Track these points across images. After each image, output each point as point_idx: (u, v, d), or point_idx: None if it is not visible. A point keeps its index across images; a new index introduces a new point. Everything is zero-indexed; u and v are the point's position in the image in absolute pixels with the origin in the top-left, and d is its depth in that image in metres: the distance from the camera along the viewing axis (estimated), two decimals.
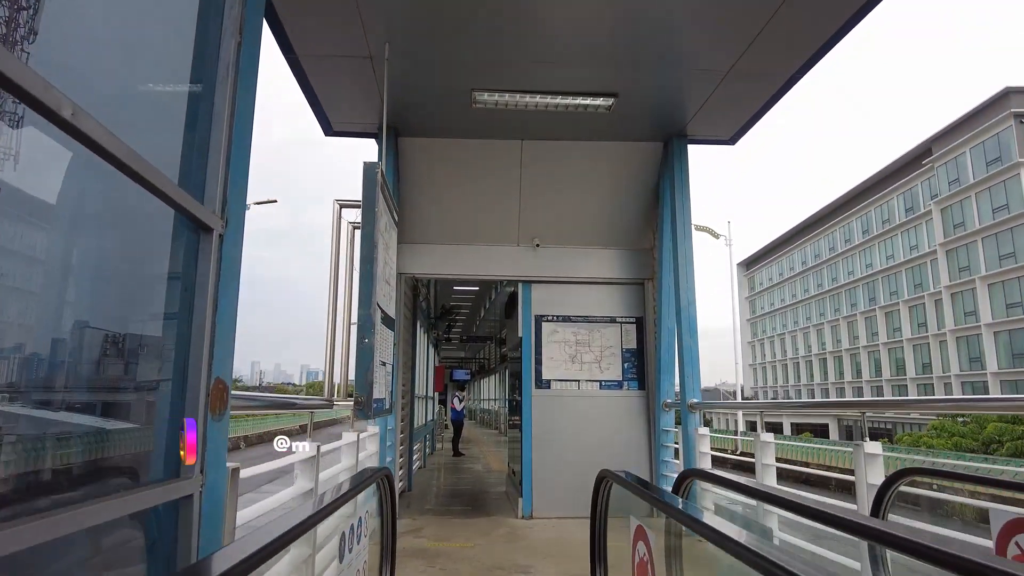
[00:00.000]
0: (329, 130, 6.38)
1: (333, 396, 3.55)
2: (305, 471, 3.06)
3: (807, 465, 18.94)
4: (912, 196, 49.01)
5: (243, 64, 1.91)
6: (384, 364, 3.82)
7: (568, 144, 6.42)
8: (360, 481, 2.15)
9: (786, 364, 66.77)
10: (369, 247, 3.42)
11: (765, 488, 2.15)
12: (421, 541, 5.34)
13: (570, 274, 6.88)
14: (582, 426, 6.66)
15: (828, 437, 52.40)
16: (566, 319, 6.86)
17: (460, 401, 14.95)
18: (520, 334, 6.84)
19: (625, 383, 6.79)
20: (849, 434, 53.51)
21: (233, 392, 2.42)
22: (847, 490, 14.49)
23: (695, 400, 5.78)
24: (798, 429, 58.53)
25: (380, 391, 3.63)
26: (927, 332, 46.00)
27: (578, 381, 6.74)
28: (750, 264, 75.78)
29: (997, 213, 40.28)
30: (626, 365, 6.81)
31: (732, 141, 6.56)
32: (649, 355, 6.82)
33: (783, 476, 4.45)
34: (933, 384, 45.21)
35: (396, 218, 4.35)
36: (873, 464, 3.25)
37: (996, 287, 40.38)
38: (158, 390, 1.68)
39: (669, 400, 6.46)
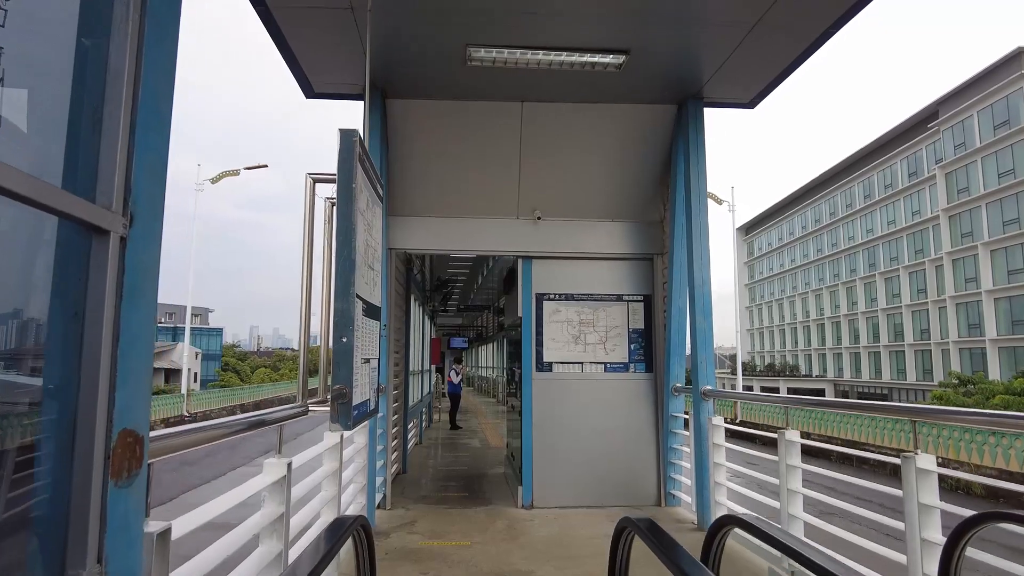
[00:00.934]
0: (310, 92, 5.82)
1: (307, 398, 3.09)
2: (274, 494, 2.64)
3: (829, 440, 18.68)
4: (916, 160, 48.20)
5: (153, 2, 1.41)
6: (368, 361, 3.38)
7: (572, 107, 5.87)
8: (332, 543, 1.72)
9: (783, 329, 66.78)
10: (347, 230, 2.93)
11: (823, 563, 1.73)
12: (414, 538, 4.99)
13: (574, 249, 6.40)
14: (586, 411, 6.28)
15: None
16: (569, 297, 6.41)
17: (457, 374, 14.60)
18: (520, 313, 6.39)
19: (632, 365, 6.37)
20: (844, 398, 53.80)
21: (174, 430, 1.97)
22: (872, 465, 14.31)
23: (709, 387, 5.37)
24: (794, 395, 58.82)
25: (363, 393, 3.20)
26: (927, 298, 45.74)
27: (581, 363, 6.33)
28: (749, 229, 75.15)
29: (1003, 178, 39.62)
30: (633, 346, 6.39)
31: (752, 104, 6.02)
32: (658, 336, 6.39)
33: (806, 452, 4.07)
34: (931, 350, 45.17)
35: (381, 192, 3.85)
36: (927, 482, 2.84)
37: (999, 253, 39.99)
38: (34, 459, 1.23)
39: (679, 384, 6.06)
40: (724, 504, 5.12)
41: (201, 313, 78.10)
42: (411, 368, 9.31)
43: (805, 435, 19.67)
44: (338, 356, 2.88)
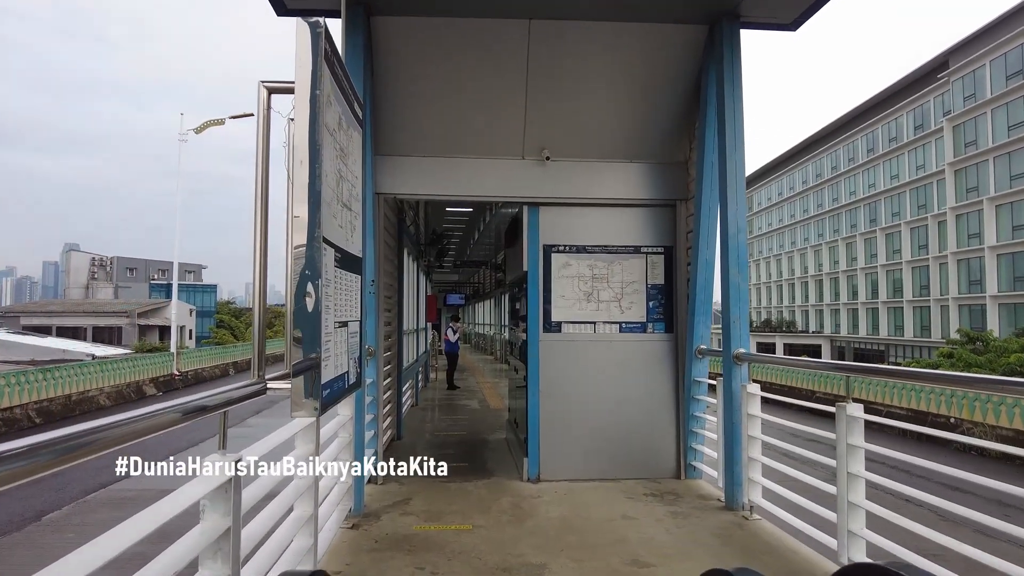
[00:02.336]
0: (282, 8, 4.96)
1: (265, 370, 2.39)
2: (217, 504, 1.98)
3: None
4: (923, 113, 46.91)
5: None
6: (344, 324, 2.69)
7: (587, 26, 5.03)
8: None
9: (780, 285, 66.38)
10: (312, 151, 2.20)
11: None
12: (408, 521, 4.40)
13: (586, 194, 5.66)
14: (598, 375, 5.65)
15: (820, 358, 52.50)
16: (581, 249, 5.70)
17: (454, 332, 13.94)
18: (525, 268, 5.69)
19: (650, 325, 5.71)
20: (841, 355, 53.74)
21: (44, 438, 1.27)
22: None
23: (743, 350, 4.72)
24: (790, 350, 58.82)
25: (339, 365, 2.52)
26: (927, 254, 45.13)
27: (594, 323, 5.66)
28: (749, 183, 73.85)
29: (1013, 131, 38.50)
30: (652, 304, 5.72)
31: (794, 26, 5.19)
32: (680, 292, 5.71)
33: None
34: (930, 307, 44.84)
35: (360, 113, 3.10)
36: None
37: (1004, 208, 39.21)
38: None
39: (704, 346, 5.42)
40: (758, 482, 4.53)
41: (195, 270, 77.16)
42: (405, 327, 8.66)
43: (810, 393, 19.16)
44: (302, 319, 2.19)
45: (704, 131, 5.28)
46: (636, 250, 5.74)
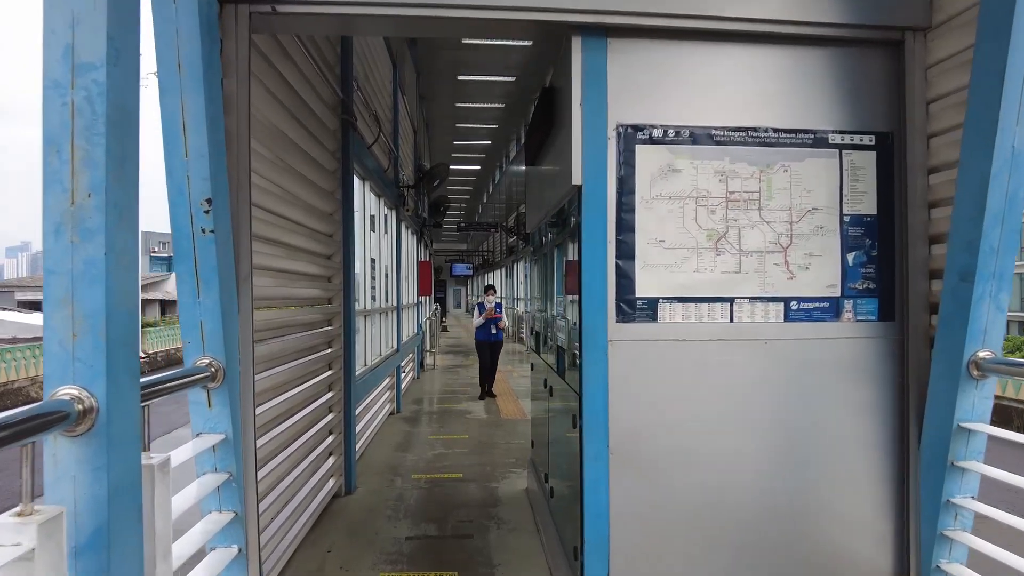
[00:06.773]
0: None
1: None
2: None
3: None
4: None
5: None
6: None
7: None
8: None
9: None
10: None
11: None
12: None
13: (711, 9, 2.55)
14: (737, 415, 2.62)
15: None
16: (698, 137, 2.61)
17: (480, 313, 8.79)
18: (577, 180, 2.60)
19: (848, 303, 2.65)
20: None
21: None
22: None
23: None
24: None
25: None
26: None
27: (730, 300, 2.61)
28: None
29: None
30: (853, 258, 2.65)
31: None
32: (913, 232, 2.63)
33: None
34: None
35: None
36: None
37: None
38: None
39: (987, 355, 2.36)
40: None
41: None
42: (363, 305, 5.64)
43: None
44: None
45: None
46: (819, 140, 2.64)
